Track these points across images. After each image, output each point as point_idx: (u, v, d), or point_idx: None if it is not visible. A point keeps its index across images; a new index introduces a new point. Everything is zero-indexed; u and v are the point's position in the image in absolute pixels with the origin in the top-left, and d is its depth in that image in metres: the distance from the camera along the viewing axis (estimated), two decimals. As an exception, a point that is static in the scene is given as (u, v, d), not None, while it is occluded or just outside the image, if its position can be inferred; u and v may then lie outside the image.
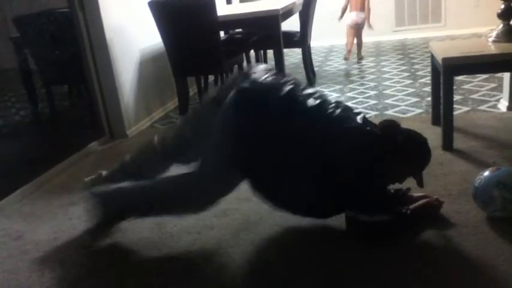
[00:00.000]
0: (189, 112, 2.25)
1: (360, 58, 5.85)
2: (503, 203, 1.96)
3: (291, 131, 1.93)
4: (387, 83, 4.56)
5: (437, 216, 2.10)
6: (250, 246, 2.08)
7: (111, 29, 3.63)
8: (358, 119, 1.98)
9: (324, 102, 2.01)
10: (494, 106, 3.53)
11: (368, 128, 1.97)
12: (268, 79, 2.05)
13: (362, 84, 4.60)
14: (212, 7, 3.66)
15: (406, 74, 4.79)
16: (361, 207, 1.94)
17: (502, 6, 2.83)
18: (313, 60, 5.27)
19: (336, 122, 1.94)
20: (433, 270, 1.78)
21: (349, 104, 3.98)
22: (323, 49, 6.75)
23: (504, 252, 1.82)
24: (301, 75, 5.04)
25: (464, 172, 2.49)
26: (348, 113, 2.01)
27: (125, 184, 2.19)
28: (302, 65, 4.96)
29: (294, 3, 4.53)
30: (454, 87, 2.86)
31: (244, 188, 2.04)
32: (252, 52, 5.23)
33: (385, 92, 4.26)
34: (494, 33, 2.89)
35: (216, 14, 3.72)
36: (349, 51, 5.72)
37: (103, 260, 2.12)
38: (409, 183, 2.08)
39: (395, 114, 3.62)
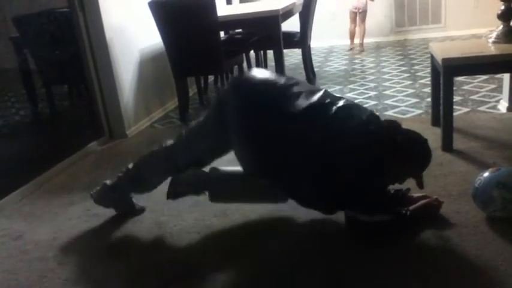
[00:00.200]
0: (191, 123, 2.27)
1: (361, 50, 6.02)
2: (503, 203, 1.96)
3: (291, 131, 1.93)
4: (387, 83, 4.56)
5: (437, 217, 2.10)
6: (250, 247, 2.08)
7: (111, 29, 3.63)
8: (364, 117, 1.96)
9: (326, 99, 2.01)
10: (494, 107, 3.53)
11: (370, 127, 1.96)
12: (264, 78, 2.08)
13: (362, 85, 4.60)
14: (212, 7, 3.66)
15: (406, 75, 4.80)
16: (361, 207, 1.94)
17: (502, 7, 2.83)
18: (313, 61, 5.28)
19: (336, 121, 1.94)
20: (433, 270, 1.78)
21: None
22: (323, 49, 6.76)
23: (504, 252, 1.82)
24: (301, 76, 5.04)
25: (464, 173, 2.49)
26: (352, 111, 1.99)
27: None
28: (302, 66, 4.97)
29: (294, 4, 4.53)
30: (454, 88, 2.87)
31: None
32: (252, 52, 5.23)
33: (385, 92, 4.26)
34: (494, 34, 2.89)
35: (216, 14, 3.72)
36: (352, 38, 5.98)
37: (103, 260, 2.12)
38: (409, 184, 2.08)
39: (395, 115, 3.62)
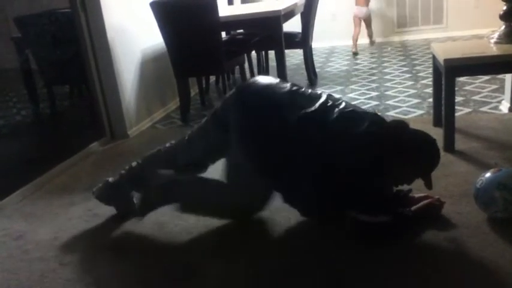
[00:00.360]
0: (194, 128, 2.29)
1: (372, 44, 6.61)
2: (504, 204, 1.95)
3: (292, 131, 1.93)
4: (389, 84, 4.55)
5: (438, 217, 2.10)
6: (250, 247, 2.07)
7: (113, 29, 3.63)
8: (366, 119, 1.95)
9: (328, 102, 2.01)
10: (496, 107, 3.52)
11: (371, 128, 1.95)
12: (267, 83, 2.08)
13: (363, 86, 4.59)
14: (214, 8, 3.66)
15: (408, 75, 4.79)
16: (361, 207, 1.93)
17: (504, 8, 2.82)
18: (315, 61, 5.28)
19: (338, 123, 1.94)
20: (433, 271, 1.77)
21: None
22: (324, 50, 6.75)
23: (505, 253, 1.82)
24: (302, 76, 5.05)
25: (466, 173, 2.49)
26: (354, 113, 1.99)
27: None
28: (303, 66, 4.96)
29: (295, 4, 4.53)
30: (456, 89, 2.86)
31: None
32: (253, 53, 5.23)
33: (386, 93, 4.26)
34: (496, 35, 2.88)
35: (218, 15, 3.72)
36: (355, 41, 6.29)
37: (103, 260, 2.12)
38: (415, 184, 2.07)
39: (397, 115, 3.61)
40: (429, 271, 1.77)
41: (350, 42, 6.58)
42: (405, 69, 5.08)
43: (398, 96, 4.10)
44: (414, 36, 6.84)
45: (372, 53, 6.18)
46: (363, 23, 6.47)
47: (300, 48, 4.92)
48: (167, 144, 2.39)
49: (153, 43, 4.16)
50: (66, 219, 2.51)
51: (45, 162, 3.20)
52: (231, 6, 5.61)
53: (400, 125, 2.00)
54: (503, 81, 3.62)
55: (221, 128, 2.10)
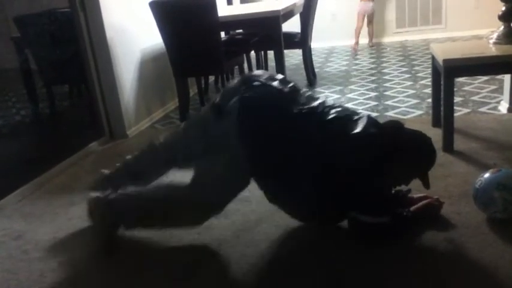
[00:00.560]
0: (190, 118, 2.24)
1: (371, 46, 6.58)
2: (503, 205, 1.96)
3: (292, 131, 1.93)
4: (388, 84, 4.56)
5: (437, 218, 2.10)
6: (250, 247, 2.08)
7: (112, 28, 3.63)
8: (364, 120, 1.96)
9: (325, 103, 2.02)
10: (495, 108, 3.53)
11: (371, 129, 1.96)
12: (269, 85, 2.05)
13: (363, 86, 4.60)
14: (213, 8, 3.66)
15: (407, 76, 4.79)
16: (361, 207, 1.93)
17: (503, 8, 2.83)
18: (314, 61, 5.28)
19: (336, 123, 1.95)
20: (433, 271, 1.78)
21: (349, 105, 3.99)
22: (323, 50, 6.76)
23: (504, 253, 1.82)
24: (301, 76, 5.05)
25: (465, 174, 2.49)
26: (350, 116, 2.00)
27: (124, 190, 2.19)
28: (303, 66, 4.97)
29: (294, 4, 4.53)
30: (455, 89, 2.87)
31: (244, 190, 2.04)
32: (252, 53, 5.24)
33: (385, 93, 4.26)
34: (495, 35, 2.89)
35: (217, 15, 3.72)
36: (357, 37, 6.43)
37: (103, 260, 2.12)
38: (413, 184, 2.08)
39: (396, 115, 3.62)
40: (429, 271, 1.77)
41: (349, 43, 6.59)
42: (404, 69, 5.09)
43: (397, 97, 4.10)
44: (413, 36, 6.84)
45: (371, 53, 6.19)
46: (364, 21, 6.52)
47: (299, 48, 4.92)
48: (165, 138, 2.33)
49: (153, 43, 4.16)
50: (66, 219, 2.51)
51: (45, 162, 3.20)
52: (230, 6, 5.61)
53: (396, 125, 2.01)
54: (502, 81, 3.62)
55: (221, 119, 2.04)
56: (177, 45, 3.87)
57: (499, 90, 3.79)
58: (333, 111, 1.98)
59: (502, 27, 2.86)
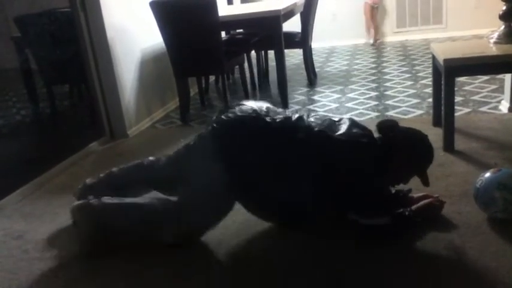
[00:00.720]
0: (181, 147, 2.23)
1: (376, 40, 6.61)
2: (504, 204, 1.95)
3: (270, 139, 1.97)
4: (388, 84, 4.55)
5: (438, 217, 2.10)
6: (250, 247, 2.08)
7: (113, 28, 3.63)
8: (343, 124, 1.99)
9: (300, 114, 2.06)
10: (496, 107, 3.52)
11: (365, 130, 1.99)
12: (242, 109, 2.05)
13: (363, 85, 4.60)
14: (213, 7, 3.66)
15: (407, 75, 4.79)
16: (361, 207, 1.93)
17: (504, 8, 2.82)
18: (314, 61, 5.28)
19: (334, 126, 1.98)
20: (434, 271, 1.77)
21: (349, 104, 3.99)
22: (324, 50, 6.75)
23: (505, 253, 1.82)
24: (302, 76, 5.05)
25: (465, 173, 2.49)
26: (332, 120, 2.04)
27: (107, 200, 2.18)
28: (303, 66, 4.97)
29: (295, 4, 4.53)
30: (455, 89, 2.86)
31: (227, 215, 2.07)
32: (253, 53, 5.23)
33: (386, 93, 4.26)
34: (495, 35, 2.88)
35: (217, 15, 3.72)
36: (369, 30, 6.51)
37: (103, 260, 2.11)
38: (413, 183, 2.08)
39: (396, 115, 3.62)
40: (429, 271, 1.77)
41: (350, 42, 6.59)
42: (405, 69, 5.09)
43: (398, 96, 4.10)
44: (414, 36, 6.84)
45: (371, 53, 6.18)
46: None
47: (300, 48, 4.91)
48: (152, 158, 2.36)
49: (153, 43, 4.16)
50: (66, 219, 2.50)
51: (45, 161, 3.20)
52: (230, 6, 5.61)
53: (389, 124, 2.02)
54: (502, 81, 3.62)
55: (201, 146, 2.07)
56: (178, 45, 3.87)
57: (500, 89, 3.79)
58: (312, 117, 2.02)
59: (503, 26, 2.86)
